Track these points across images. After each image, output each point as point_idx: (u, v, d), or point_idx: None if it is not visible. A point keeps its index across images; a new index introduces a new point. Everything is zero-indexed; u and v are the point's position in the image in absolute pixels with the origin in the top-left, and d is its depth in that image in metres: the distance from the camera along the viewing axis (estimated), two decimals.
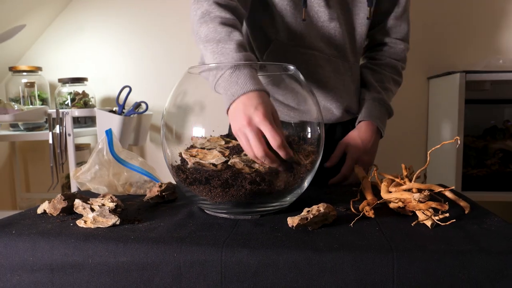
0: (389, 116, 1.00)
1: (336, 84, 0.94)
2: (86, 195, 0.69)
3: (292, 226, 0.55)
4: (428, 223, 0.55)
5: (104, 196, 0.65)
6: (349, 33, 0.94)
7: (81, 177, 0.81)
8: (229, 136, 0.67)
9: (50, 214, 0.65)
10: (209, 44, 0.70)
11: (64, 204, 0.64)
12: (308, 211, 0.57)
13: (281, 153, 0.59)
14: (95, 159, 0.81)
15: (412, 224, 0.57)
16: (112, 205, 0.61)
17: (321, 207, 0.57)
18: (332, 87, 0.93)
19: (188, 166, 0.63)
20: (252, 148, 0.59)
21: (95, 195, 0.79)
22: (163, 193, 0.73)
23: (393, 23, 0.99)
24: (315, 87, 0.93)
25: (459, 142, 0.59)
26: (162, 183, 0.74)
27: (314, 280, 0.48)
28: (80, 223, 0.58)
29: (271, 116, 0.60)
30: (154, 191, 0.72)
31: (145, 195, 0.78)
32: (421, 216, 0.57)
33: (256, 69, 0.67)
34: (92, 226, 0.57)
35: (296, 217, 0.56)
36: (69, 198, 0.65)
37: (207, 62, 0.69)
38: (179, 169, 0.64)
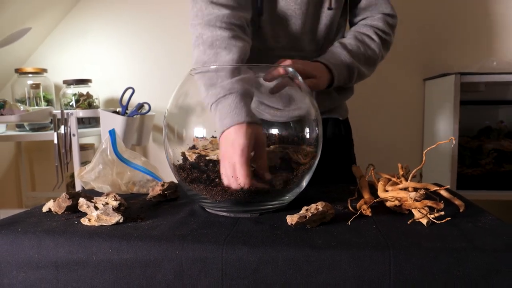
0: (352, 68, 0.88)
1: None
2: (90, 194, 0.70)
3: (291, 224, 0.56)
4: (424, 221, 0.56)
5: (107, 195, 0.66)
6: (312, 25, 0.90)
7: (85, 176, 0.83)
8: None
9: (55, 212, 0.66)
10: (200, 76, 0.70)
11: (68, 202, 0.65)
12: (307, 209, 0.57)
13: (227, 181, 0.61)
14: (99, 159, 0.83)
15: (408, 222, 0.57)
16: (115, 203, 0.62)
17: (320, 205, 0.58)
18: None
19: (190, 161, 0.64)
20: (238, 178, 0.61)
21: (99, 194, 0.81)
22: (166, 192, 0.74)
23: (367, 3, 0.92)
24: None
25: (453, 142, 0.59)
26: (164, 182, 0.75)
27: (313, 277, 0.48)
28: (84, 221, 0.59)
29: (244, 154, 0.60)
30: (157, 190, 0.73)
31: (148, 194, 0.79)
32: (417, 214, 0.58)
33: (243, 93, 0.65)
34: (96, 224, 0.59)
35: (295, 215, 0.56)
36: (74, 196, 0.66)
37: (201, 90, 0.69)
38: (180, 168, 0.65)
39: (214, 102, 0.65)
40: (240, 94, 0.64)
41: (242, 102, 0.64)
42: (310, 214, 0.56)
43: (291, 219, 0.56)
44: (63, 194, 0.66)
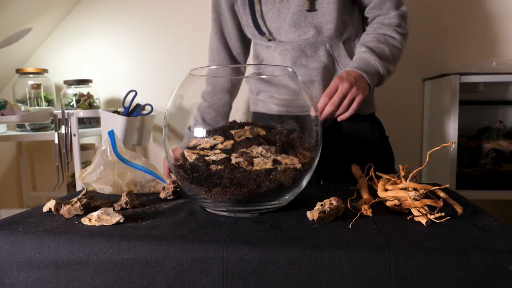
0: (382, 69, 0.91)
1: (320, 65, 0.95)
2: (93, 196, 0.70)
3: (313, 219, 0.59)
4: (423, 220, 0.56)
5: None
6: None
7: (86, 178, 0.83)
8: (227, 135, 0.68)
9: (62, 214, 0.65)
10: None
11: (81, 212, 0.64)
12: (322, 205, 0.60)
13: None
14: (100, 160, 0.83)
15: (408, 218, 0.58)
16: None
17: (333, 200, 0.60)
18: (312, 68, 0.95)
19: (189, 161, 0.64)
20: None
21: (101, 195, 0.81)
22: (177, 189, 0.77)
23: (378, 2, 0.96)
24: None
25: (453, 146, 0.60)
26: (174, 180, 0.78)
27: (313, 276, 0.49)
28: (85, 221, 0.60)
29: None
30: (169, 187, 0.76)
31: (149, 193, 0.79)
32: (416, 213, 0.58)
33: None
34: (97, 224, 0.59)
35: (315, 211, 0.59)
36: (86, 207, 0.65)
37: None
38: (180, 168, 0.65)
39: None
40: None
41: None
42: (328, 209, 0.58)
43: (312, 214, 0.59)
44: (78, 205, 0.64)
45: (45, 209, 0.68)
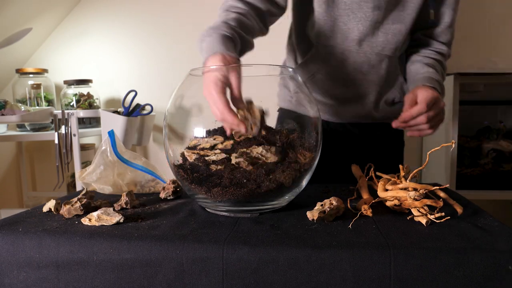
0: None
1: (372, 77, 0.94)
2: (93, 195, 0.70)
3: (313, 219, 0.58)
4: (423, 220, 0.56)
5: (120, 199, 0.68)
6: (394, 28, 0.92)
7: (86, 178, 0.83)
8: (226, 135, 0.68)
9: (62, 214, 0.65)
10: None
11: (81, 212, 0.64)
12: (322, 205, 0.60)
13: (224, 125, 0.63)
14: (100, 160, 0.83)
15: (408, 218, 0.58)
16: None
17: (333, 200, 0.60)
18: (369, 81, 0.94)
19: (189, 161, 0.64)
20: (216, 107, 0.62)
21: (101, 195, 0.81)
22: (177, 189, 0.77)
23: (440, 31, 0.96)
24: (350, 84, 0.94)
25: (453, 146, 0.60)
26: (174, 180, 0.78)
27: (313, 276, 0.49)
28: (85, 221, 0.60)
29: (216, 86, 0.62)
30: (169, 187, 0.76)
31: (149, 193, 0.79)
32: (416, 213, 0.58)
33: (224, 33, 0.73)
34: (97, 224, 0.59)
35: (314, 211, 0.59)
36: (86, 207, 0.65)
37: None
38: (180, 168, 0.65)
39: (200, 40, 0.73)
40: (221, 35, 0.72)
41: (222, 40, 0.71)
42: (328, 209, 0.58)
43: (312, 214, 0.59)
44: (78, 205, 0.64)
45: (45, 209, 0.68)
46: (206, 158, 0.63)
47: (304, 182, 0.67)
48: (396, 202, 0.61)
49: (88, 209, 0.65)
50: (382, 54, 0.92)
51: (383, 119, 1.00)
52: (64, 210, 0.64)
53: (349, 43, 0.91)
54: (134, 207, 0.70)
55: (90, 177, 0.82)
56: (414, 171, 0.63)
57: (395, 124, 0.83)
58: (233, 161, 0.62)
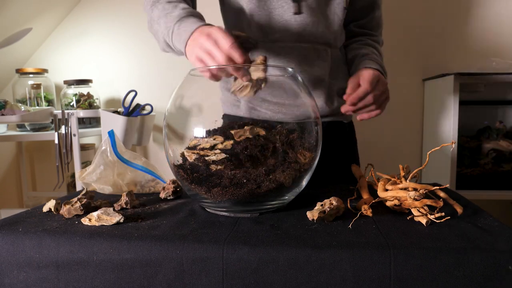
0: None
1: (324, 71, 0.92)
2: (93, 195, 0.70)
3: (313, 219, 0.58)
4: (423, 220, 0.56)
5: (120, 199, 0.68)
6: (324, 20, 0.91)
7: (86, 178, 0.83)
8: (227, 135, 0.68)
9: (62, 214, 0.65)
10: (160, 20, 0.77)
11: (81, 212, 0.64)
12: (322, 205, 0.60)
13: (235, 55, 0.64)
14: (100, 160, 0.83)
15: (408, 218, 0.58)
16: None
17: (333, 200, 0.60)
18: (322, 75, 0.92)
19: (189, 162, 0.64)
20: (219, 47, 0.64)
21: (101, 195, 0.81)
22: (177, 189, 0.76)
23: (369, 20, 1.00)
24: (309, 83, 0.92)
25: (453, 146, 0.60)
26: (174, 180, 0.77)
27: (313, 276, 0.49)
28: (84, 221, 0.60)
29: (216, 29, 0.65)
30: (169, 187, 0.76)
31: (149, 193, 0.79)
32: (416, 213, 0.58)
33: (201, 18, 0.75)
34: (97, 224, 0.59)
35: (314, 211, 0.59)
36: (86, 207, 0.65)
37: (160, 36, 0.79)
38: (180, 168, 0.65)
39: (177, 22, 0.73)
40: (199, 17, 0.75)
41: (202, 21, 0.73)
42: (328, 209, 0.58)
43: (312, 214, 0.59)
44: (78, 205, 0.64)
45: (45, 209, 0.68)
46: (206, 158, 0.63)
47: (304, 182, 0.67)
48: (396, 202, 0.61)
49: (88, 209, 0.65)
50: (324, 44, 0.92)
51: (334, 114, 0.97)
52: (64, 210, 0.64)
53: (290, 37, 0.88)
54: (134, 207, 0.70)
55: (90, 177, 0.82)
56: (414, 171, 0.63)
57: (343, 108, 0.83)
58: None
